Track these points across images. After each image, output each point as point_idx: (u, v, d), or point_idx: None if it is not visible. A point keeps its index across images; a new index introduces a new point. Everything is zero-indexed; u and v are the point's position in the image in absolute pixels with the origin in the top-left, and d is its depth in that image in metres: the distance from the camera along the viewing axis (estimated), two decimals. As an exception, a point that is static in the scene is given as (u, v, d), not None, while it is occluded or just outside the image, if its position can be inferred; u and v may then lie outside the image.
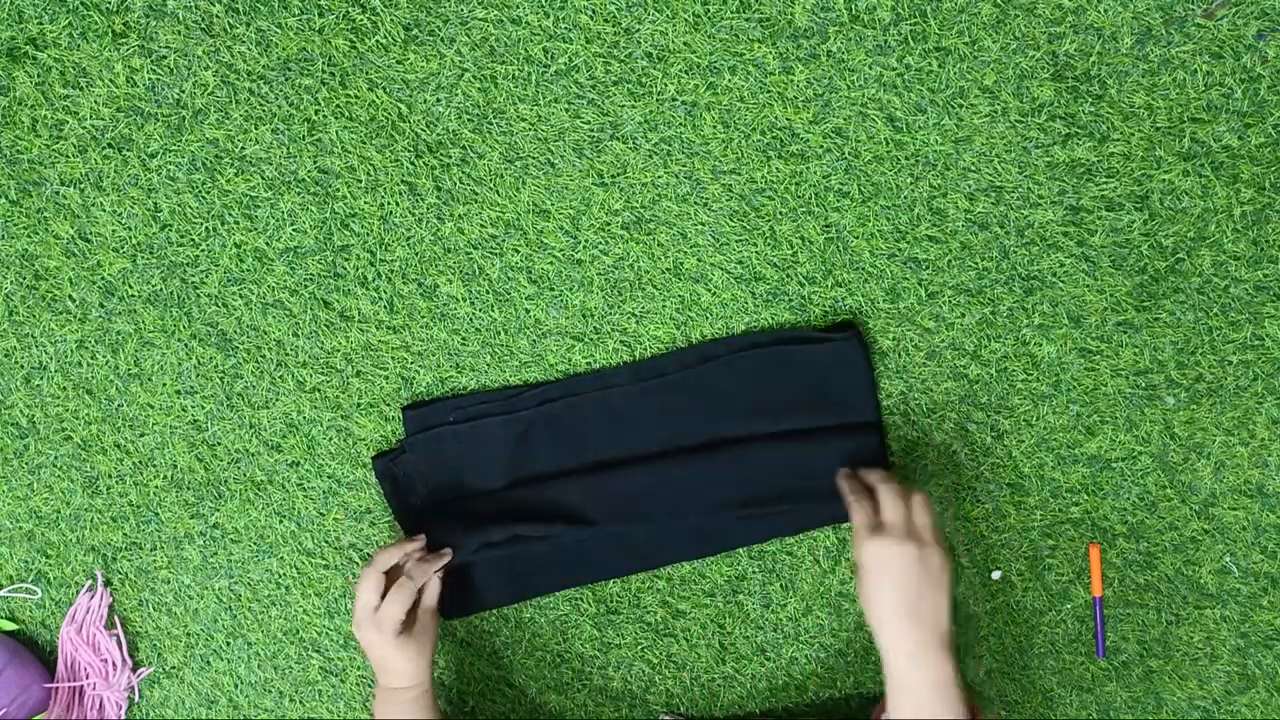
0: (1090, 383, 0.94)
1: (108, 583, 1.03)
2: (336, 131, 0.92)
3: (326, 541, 1.01)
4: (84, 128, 0.92)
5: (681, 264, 0.94)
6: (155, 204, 0.94)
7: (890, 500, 0.82)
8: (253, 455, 1.00)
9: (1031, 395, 0.95)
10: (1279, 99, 0.86)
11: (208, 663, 1.05)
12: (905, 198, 0.91)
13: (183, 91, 0.91)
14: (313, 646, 1.04)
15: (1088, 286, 0.92)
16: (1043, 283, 0.92)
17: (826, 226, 0.92)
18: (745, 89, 0.89)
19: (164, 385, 0.98)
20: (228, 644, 1.04)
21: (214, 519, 1.01)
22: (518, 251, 0.94)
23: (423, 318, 0.96)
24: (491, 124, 0.91)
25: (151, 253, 0.95)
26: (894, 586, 0.79)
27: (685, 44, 0.89)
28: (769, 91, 0.89)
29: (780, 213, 0.92)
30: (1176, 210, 0.90)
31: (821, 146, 0.90)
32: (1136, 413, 0.94)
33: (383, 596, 0.88)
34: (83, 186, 0.94)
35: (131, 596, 1.03)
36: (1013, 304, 0.93)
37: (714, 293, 0.94)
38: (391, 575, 0.89)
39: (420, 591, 0.91)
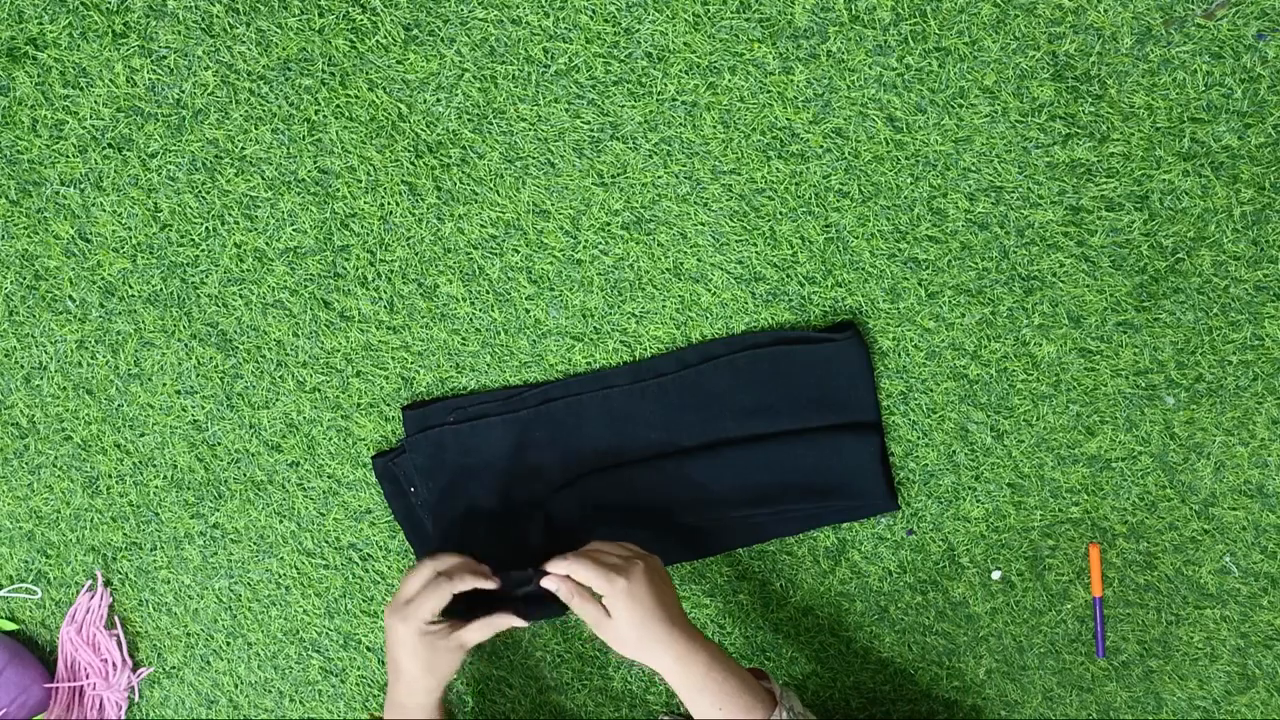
0: (1090, 383, 0.94)
1: (108, 583, 1.03)
2: (336, 131, 0.92)
3: (326, 541, 1.01)
4: (84, 128, 0.92)
5: (681, 264, 0.94)
6: (155, 204, 0.94)
7: (590, 574, 0.82)
8: (253, 455, 1.00)
9: (1031, 395, 0.95)
10: (1279, 99, 0.86)
11: (208, 663, 1.05)
12: (905, 198, 0.91)
13: (183, 91, 0.91)
14: (313, 646, 1.04)
15: (1088, 286, 0.92)
16: (1043, 283, 0.92)
17: (826, 226, 0.92)
18: (745, 89, 0.89)
19: (164, 385, 0.98)
20: (228, 644, 1.04)
21: (214, 519, 1.01)
22: (518, 251, 0.94)
23: (423, 318, 0.96)
24: (491, 124, 0.91)
25: (151, 253, 0.95)
26: (635, 628, 0.80)
27: (685, 44, 0.89)
28: (769, 91, 0.89)
29: (780, 213, 0.92)
30: (1176, 210, 0.90)
31: (821, 146, 0.90)
32: (1136, 413, 0.94)
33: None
34: (83, 186, 0.94)
35: (131, 596, 1.03)
36: (1013, 304, 0.93)
37: (714, 293, 0.94)
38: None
39: (459, 623, 0.87)
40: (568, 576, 0.83)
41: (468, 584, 0.85)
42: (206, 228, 0.94)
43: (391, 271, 0.95)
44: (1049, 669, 1.01)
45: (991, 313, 0.93)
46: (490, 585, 0.86)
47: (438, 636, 0.84)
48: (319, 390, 0.98)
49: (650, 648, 0.81)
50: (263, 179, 0.93)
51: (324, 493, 1.00)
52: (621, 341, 0.95)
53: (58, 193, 0.94)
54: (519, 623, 0.87)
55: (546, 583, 0.84)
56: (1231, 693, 1.00)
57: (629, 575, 0.81)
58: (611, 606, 0.81)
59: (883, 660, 1.01)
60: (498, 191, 0.93)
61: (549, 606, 0.86)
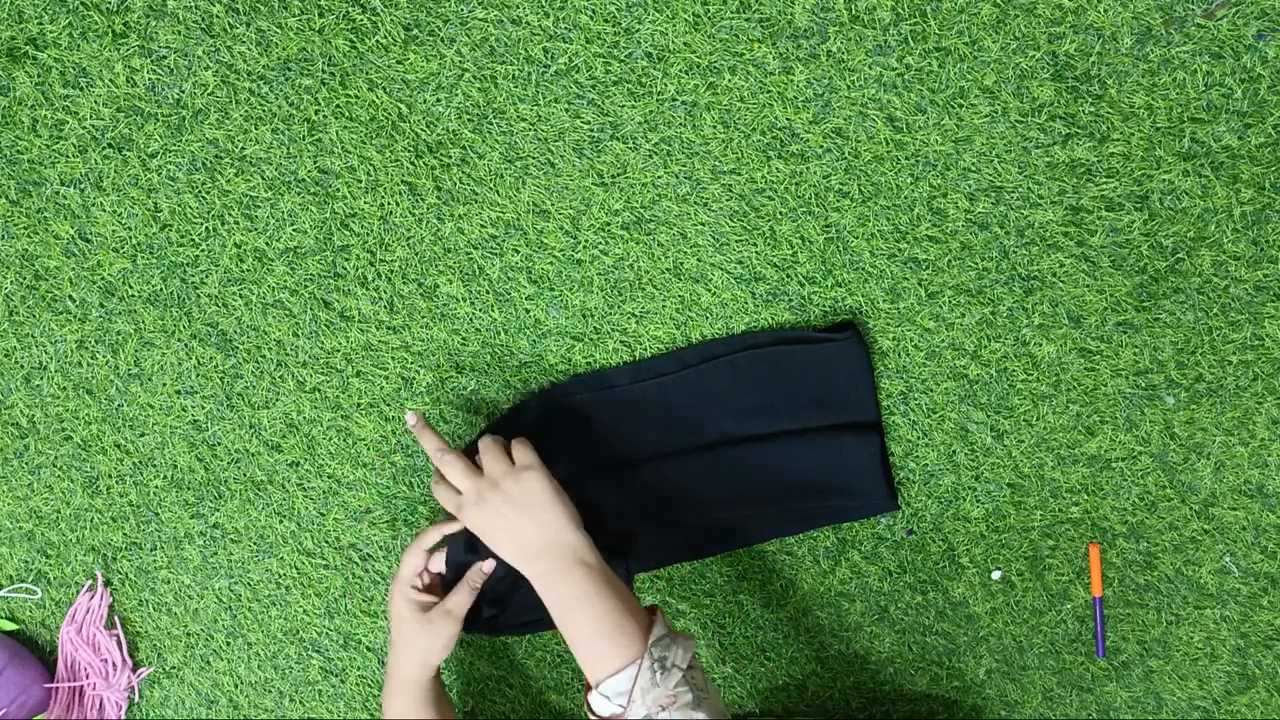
0: (1090, 383, 0.94)
1: (108, 583, 1.03)
2: (336, 131, 0.92)
3: (326, 541, 1.01)
4: (84, 128, 0.92)
5: (681, 264, 0.94)
6: (155, 204, 0.94)
7: (458, 473, 0.84)
8: (253, 455, 1.00)
9: (1031, 395, 0.95)
10: (1279, 99, 0.86)
11: (208, 663, 1.05)
12: (905, 198, 0.91)
13: (183, 91, 0.91)
14: (313, 646, 1.04)
15: (1088, 286, 0.92)
16: (1043, 283, 0.92)
17: (826, 226, 0.92)
18: (745, 89, 0.89)
19: (164, 385, 0.98)
20: (228, 644, 1.04)
21: (214, 519, 1.01)
22: (518, 251, 0.94)
23: (423, 318, 0.96)
24: (491, 124, 0.91)
25: (151, 253, 0.95)
26: (500, 544, 0.82)
27: (685, 44, 0.89)
28: (769, 91, 0.89)
29: (780, 213, 0.92)
30: (1176, 210, 0.90)
31: (821, 146, 0.90)
32: (1136, 413, 0.94)
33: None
34: (83, 186, 0.94)
35: (131, 596, 1.03)
36: (1013, 304, 0.93)
37: (714, 293, 0.94)
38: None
39: (449, 591, 0.90)
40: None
41: (432, 533, 0.90)
42: (206, 228, 0.94)
43: (391, 271, 0.95)
44: (1049, 669, 1.01)
45: (991, 313, 0.93)
46: (454, 528, 0.90)
47: (427, 608, 0.88)
48: (319, 390, 0.98)
49: (506, 533, 0.82)
50: (263, 179, 0.93)
51: (324, 493, 1.00)
52: (621, 341, 0.95)
53: (58, 193, 0.94)
54: (476, 578, 0.90)
55: (408, 418, 0.88)
56: (1231, 693, 1.00)
57: (468, 514, 0.82)
58: (460, 517, 0.84)
59: (883, 660, 1.01)
60: (498, 191, 0.93)
61: (532, 618, 0.93)
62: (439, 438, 0.87)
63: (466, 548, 0.89)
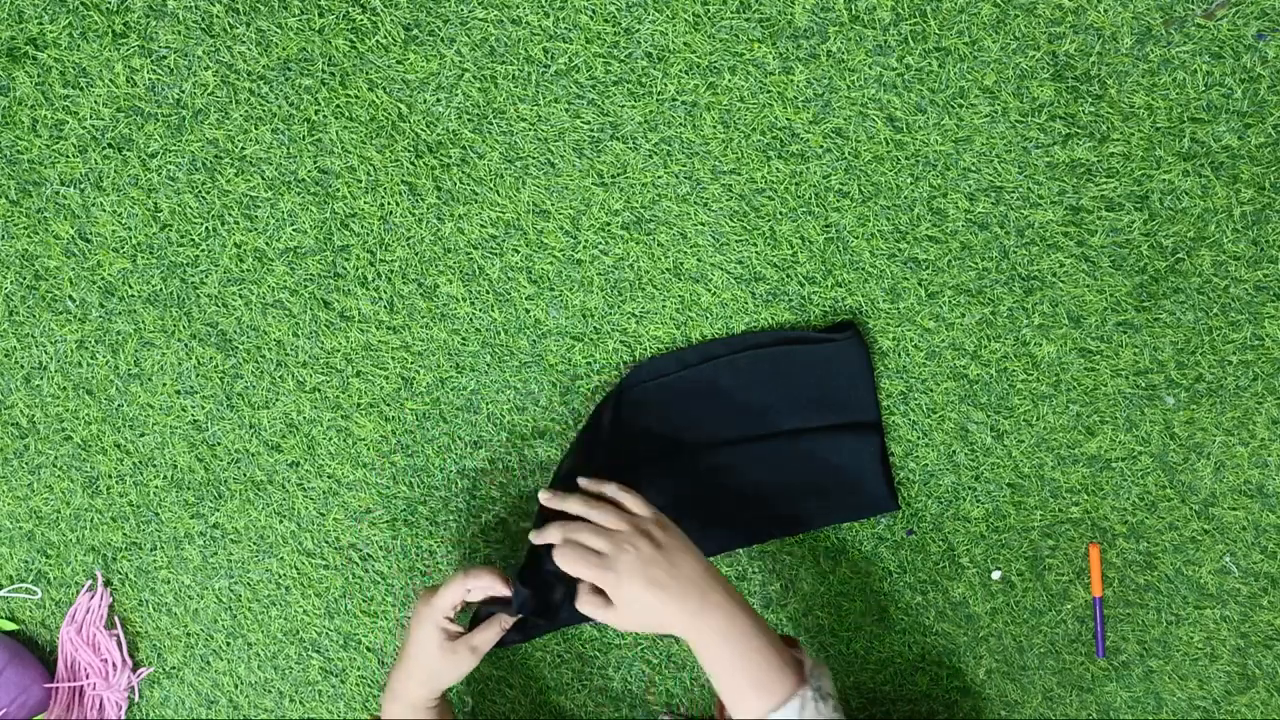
0: (1090, 383, 0.94)
1: (108, 583, 1.03)
2: (336, 131, 0.92)
3: (326, 541, 1.01)
4: (84, 128, 0.92)
5: (681, 264, 0.94)
6: (155, 204, 0.94)
7: (582, 569, 0.78)
8: (253, 455, 1.00)
9: (1031, 395, 0.95)
10: (1279, 99, 0.86)
11: (208, 663, 1.05)
12: (905, 198, 0.91)
13: (183, 91, 0.91)
14: (313, 646, 1.04)
15: (1088, 286, 0.92)
16: (1043, 283, 0.92)
17: (826, 226, 0.92)
18: (745, 89, 0.89)
19: (164, 385, 0.98)
20: (228, 644, 1.04)
21: (214, 519, 1.01)
22: (518, 251, 0.94)
23: (423, 318, 0.96)
24: (491, 124, 0.91)
25: (151, 253, 0.95)
26: (638, 617, 0.77)
27: (685, 44, 0.89)
28: (769, 91, 0.89)
29: (780, 213, 0.92)
30: (1176, 210, 0.89)
31: (821, 146, 0.90)
32: (1136, 413, 0.94)
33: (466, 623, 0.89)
34: (83, 186, 0.94)
35: (131, 596, 1.03)
36: (1013, 304, 0.93)
37: (714, 293, 0.94)
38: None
39: (478, 628, 0.88)
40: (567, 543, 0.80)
41: (484, 582, 0.85)
42: (206, 228, 0.94)
43: (391, 271, 0.95)
44: (1049, 669, 1.01)
45: (991, 313, 0.93)
46: (504, 591, 0.86)
47: (454, 639, 0.86)
48: (319, 390, 0.98)
49: (660, 627, 0.77)
50: (263, 179, 0.93)
51: (324, 493, 1.00)
52: (621, 341, 0.95)
53: (58, 193, 0.94)
54: (507, 621, 0.88)
55: (541, 496, 0.85)
56: (1231, 693, 1.00)
57: (620, 567, 0.76)
58: (613, 598, 0.77)
59: (883, 660, 1.01)
60: (498, 191, 0.93)
61: (556, 619, 0.90)
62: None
63: (520, 604, 0.87)
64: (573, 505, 0.83)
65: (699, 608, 0.75)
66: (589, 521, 0.81)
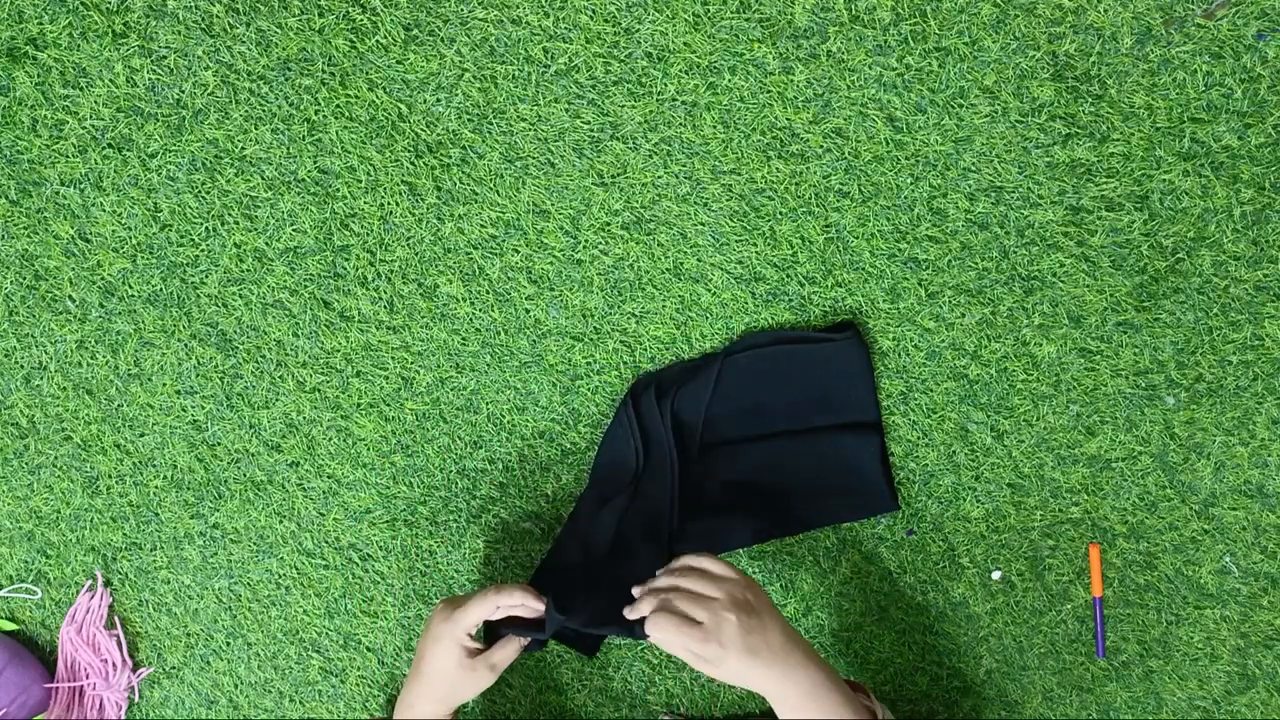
0: (1090, 383, 0.94)
1: (108, 583, 1.03)
2: (336, 131, 0.92)
3: (326, 541, 1.01)
4: (84, 128, 0.92)
5: (681, 264, 0.94)
6: (155, 204, 0.94)
7: (683, 643, 0.77)
8: (253, 455, 1.00)
9: (1031, 395, 0.95)
10: (1279, 99, 0.86)
11: (208, 663, 1.05)
12: (905, 198, 0.91)
13: (183, 91, 0.91)
14: (313, 646, 1.04)
15: (1088, 286, 0.92)
16: (1043, 283, 0.92)
17: (826, 226, 0.92)
18: (745, 89, 0.89)
19: (164, 385, 0.98)
20: (228, 644, 1.04)
21: (214, 519, 1.01)
22: (518, 251, 0.94)
23: (423, 318, 0.96)
24: (491, 124, 0.91)
25: (151, 253, 0.95)
26: (735, 676, 0.77)
27: (685, 44, 0.89)
28: (769, 91, 0.89)
29: (780, 213, 0.92)
30: (1176, 210, 0.90)
31: (821, 146, 0.90)
32: (1136, 413, 0.94)
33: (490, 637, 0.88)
34: (83, 186, 0.94)
35: (131, 596, 1.03)
36: (1013, 304, 0.93)
37: (714, 293, 0.94)
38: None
39: (494, 644, 0.88)
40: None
41: (515, 599, 0.85)
42: (206, 228, 0.94)
43: (391, 271, 0.95)
44: (1049, 669, 1.01)
45: (991, 313, 0.93)
46: (538, 608, 0.85)
47: (473, 656, 0.86)
48: (319, 390, 0.98)
49: (747, 685, 0.78)
50: (263, 179, 0.93)
51: (324, 493, 1.00)
52: (621, 341, 0.95)
53: (58, 193, 0.94)
54: (523, 641, 0.88)
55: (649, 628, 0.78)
56: (1231, 693, 1.00)
57: (724, 639, 0.76)
58: (713, 668, 0.77)
59: (883, 660, 1.01)
60: (498, 191, 0.93)
61: (584, 639, 0.92)
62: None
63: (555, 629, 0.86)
64: (661, 581, 0.81)
65: (784, 671, 0.77)
66: (679, 588, 0.80)
